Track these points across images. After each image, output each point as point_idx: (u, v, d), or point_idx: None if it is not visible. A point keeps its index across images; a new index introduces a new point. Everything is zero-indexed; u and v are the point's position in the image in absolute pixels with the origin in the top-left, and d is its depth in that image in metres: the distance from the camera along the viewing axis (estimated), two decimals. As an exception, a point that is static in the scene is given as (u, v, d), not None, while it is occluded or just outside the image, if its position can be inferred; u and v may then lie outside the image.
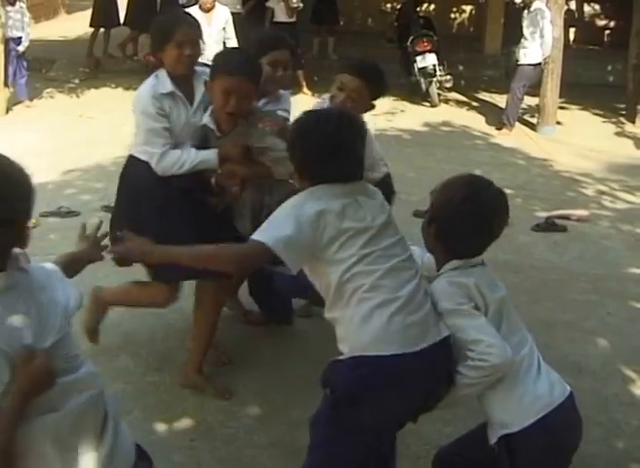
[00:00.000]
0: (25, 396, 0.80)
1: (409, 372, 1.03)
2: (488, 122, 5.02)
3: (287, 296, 1.87)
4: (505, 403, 1.06)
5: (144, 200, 1.56)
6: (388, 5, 7.94)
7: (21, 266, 0.90)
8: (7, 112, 4.58)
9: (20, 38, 4.74)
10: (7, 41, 4.62)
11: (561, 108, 5.04)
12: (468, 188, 1.11)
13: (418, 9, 5.95)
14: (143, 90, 1.56)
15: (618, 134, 4.93)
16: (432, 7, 7.98)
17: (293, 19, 5.74)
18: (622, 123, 5.16)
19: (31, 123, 4.34)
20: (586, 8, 8.41)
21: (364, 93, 1.58)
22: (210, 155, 1.53)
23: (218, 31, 4.19)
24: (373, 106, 1.66)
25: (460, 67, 6.33)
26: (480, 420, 1.21)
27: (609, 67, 6.68)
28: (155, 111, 1.51)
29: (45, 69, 5.83)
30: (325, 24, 6.73)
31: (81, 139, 3.86)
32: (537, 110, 4.92)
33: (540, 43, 4.51)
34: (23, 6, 4.85)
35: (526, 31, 4.55)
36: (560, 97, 4.87)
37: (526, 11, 4.62)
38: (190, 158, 1.52)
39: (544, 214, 3.07)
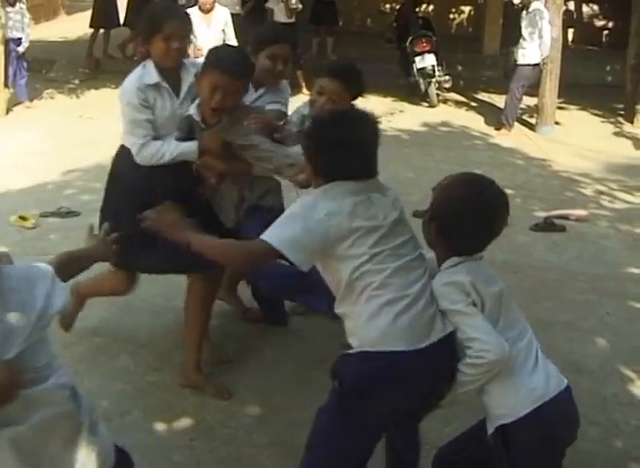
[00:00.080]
0: None
1: (413, 370, 1.05)
2: (487, 122, 5.02)
3: (272, 296, 1.89)
4: (502, 394, 1.07)
5: (130, 189, 1.59)
6: (387, 5, 7.95)
7: None
8: (7, 113, 4.58)
9: (20, 39, 4.74)
10: (7, 42, 4.61)
11: (560, 108, 5.05)
12: (470, 187, 1.12)
13: (416, 9, 5.94)
14: (130, 80, 1.58)
15: (616, 134, 4.94)
16: (431, 7, 7.98)
17: (292, 20, 5.75)
18: (621, 123, 5.16)
19: (31, 123, 4.34)
20: (585, 8, 8.42)
21: (344, 94, 1.60)
22: (190, 147, 1.55)
23: (217, 32, 4.19)
24: (353, 107, 1.68)
25: (459, 68, 6.34)
26: (479, 419, 1.22)
27: (607, 68, 6.69)
28: (139, 102, 1.53)
29: (45, 70, 5.83)
30: (324, 25, 6.74)
31: (81, 140, 3.86)
32: (535, 110, 4.93)
33: (538, 43, 4.51)
34: (23, 7, 4.85)
35: (525, 32, 4.56)
36: (559, 97, 4.88)
37: (524, 11, 4.63)
38: (170, 149, 1.55)
39: (543, 214, 3.08)
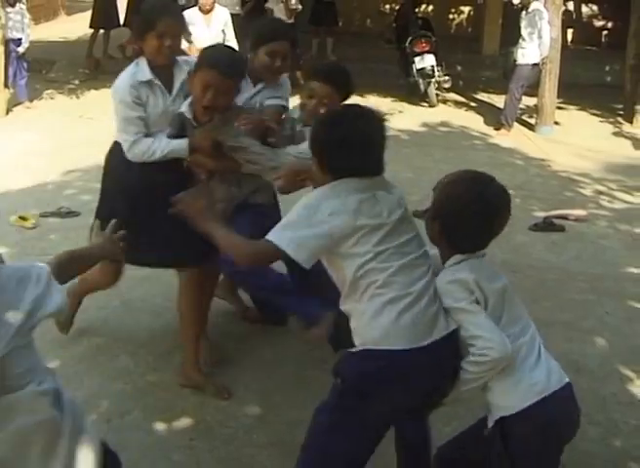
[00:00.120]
0: None
1: (415, 368, 1.06)
2: (486, 122, 5.03)
3: (256, 295, 1.90)
4: (503, 388, 1.08)
5: (124, 188, 1.61)
6: (387, 6, 7.95)
7: None
8: (7, 113, 4.58)
9: (20, 39, 4.74)
10: (7, 42, 4.61)
11: (559, 108, 5.05)
12: (471, 186, 1.12)
13: (416, 10, 5.94)
14: (122, 78, 1.60)
15: (615, 134, 4.94)
16: (431, 8, 7.99)
17: (291, 21, 5.76)
18: (620, 123, 5.17)
19: (31, 124, 4.34)
20: (584, 9, 8.43)
21: (334, 97, 1.61)
22: (181, 145, 1.57)
23: (217, 33, 4.20)
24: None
25: (459, 68, 6.34)
26: (479, 418, 1.22)
27: (606, 68, 6.69)
28: (131, 100, 1.55)
29: (45, 70, 5.83)
30: (324, 25, 6.74)
31: (81, 140, 3.86)
32: (535, 110, 4.93)
33: (537, 43, 4.52)
34: (23, 7, 4.85)
35: (524, 32, 4.56)
36: (558, 97, 4.88)
37: (524, 11, 4.63)
38: (161, 147, 1.56)
39: (542, 214, 3.08)
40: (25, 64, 4.85)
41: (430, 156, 3.95)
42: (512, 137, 4.65)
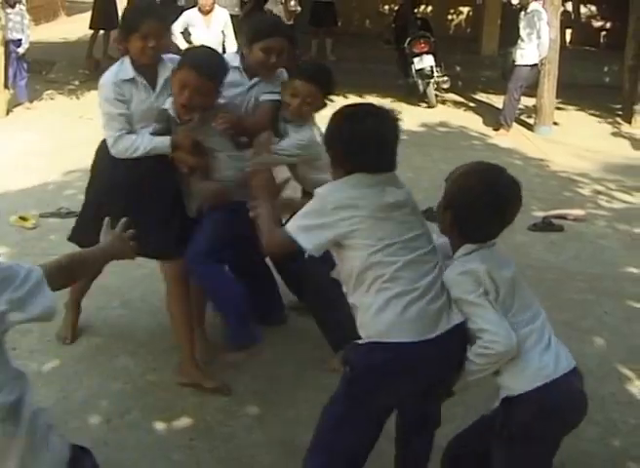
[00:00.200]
0: None
1: (423, 360, 1.09)
2: (485, 123, 5.03)
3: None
4: (513, 370, 1.10)
5: (112, 186, 1.65)
6: (386, 6, 7.95)
7: None
8: (7, 114, 4.58)
9: (20, 40, 4.74)
10: (7, 43, 4.61)
11: (558, 109, 5.05)
12: (484, 177, 1.14)
13: (415, 10, 5.94)
14: (107, 76, 1.64)
15: (614, 134, 4.95)
16: (429, 8, 7.99)
17: (291, 22, 5.76)
18: (619, 123, 5.18)
19: (31, 124, 4.34)
20: (583, 9, 8.44)
21: (317, 95, 1.65)
22: (163, 143, 1.61)
23: (217, 33, 4.20)
24: (325, 105, 1.73)
25: (458, 68, 6.35)
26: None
27: (605, 68, 6.70)
28: (114, 97, 1.60)
29: (45, 71, 5.84)
30: (323, 26, 6.75)
31: (81, 140, 3.86)
32: (533, 111, 4.94)
33: (536, 44, 4.52)
34: (23, 8, 4.85)
35: (523, 32, 4.57)
36: (557, 97, 4.89)
37: (523, 12, 4.64)
38: (144, 143, 1.61)
39: (541, 214, 3.09)
40: (25, 65, 4.85)
41: (429, 156, 3.95)
42: (511, 138, 4.66)
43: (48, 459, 0.88)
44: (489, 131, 4.83)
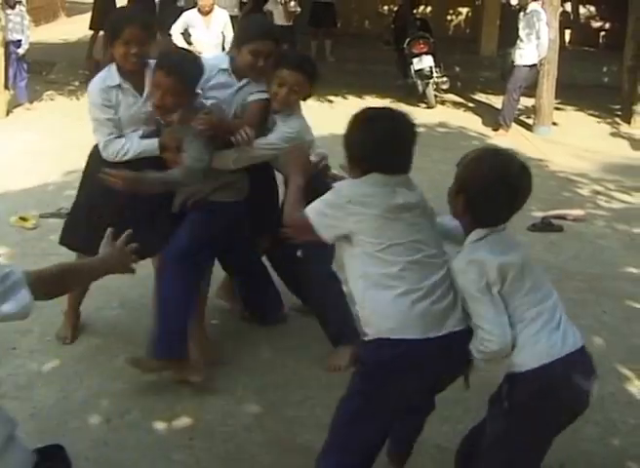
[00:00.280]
0: None
1: (429, 357, 1.11)
2: (484, 123, 5.04)
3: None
4: (522, 347, 1.12)
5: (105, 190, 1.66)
6: (385, 7, 7.96)
7: None
8: (7, 114, 4.58)
9: (20, 41, 4.74)
10: (7, 44, 4.61)
11: (557, 109, 5.06)
12: (496, 162, 1.16)
13: (414, 11, 5.95)
14: (94, 82, 1.69)
15: (613, 134, 4.96)
16: (429, 9, 8.01)
17: (290, 23, 5.78)
18: (618, 123, 5.18)
19: (31, 125, 4.35)
20: (582, 10, 8.46)
21: (305, 84, 1.68)
22: (151, 145, 1.65)
23: (216, 34, 4.21)
24: (311, 93, 1.75)
25: (457, 69, 6.36)
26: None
27: (604, 69, 6.71)
28: (102, 103, 1.65)
29: (45, 72, 5.85)
30: (322, 27, 6.76)
31: (81, 141, 3.84)
32: (533, 111, 4.94)
33: (535, 44, 4.53)
34: (23, 9, 4.86)
35: (522, 33, 4.57)
36: (556, 97, 4.89)
37: (522, 12, 4.64)
38: (133, 147, 1.65)
39: (541, 214, 3.09)
40: (25, 66, 4.86)
41: (429, 156, 3.95)
42: (510, 138, 4.66)
43: (11, 461, 0.86)
44: (488, 131, 4.84)
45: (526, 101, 5.01)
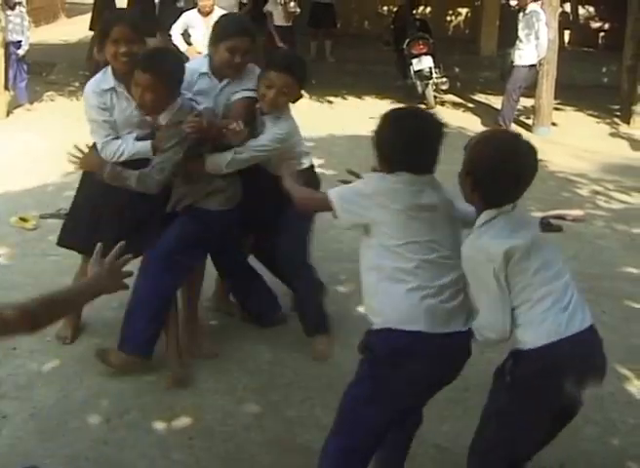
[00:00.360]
0: None
1: (432, 350, 1.14)
2: (484, 123, 5.04)
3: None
4: (528, 325, 1.13)
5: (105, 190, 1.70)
6: (385, 8, 7.97)
7: None
8: (7, 115, 4.59)
9: (21, 42, 4.75)
10: (7, 45, 4.62)
11: (556, 109, 5.06)
12: (502, 143, 1.18)
13: (414, 11, 5.95)
14: (90, 85, 1.71)
15: (612, 134, 4.96)
16: (428, 9, 8.01)
17: (290, 24, 5.78)
18: (617, 124, 5.18)
19: (32, 125, 4.36)
20: (581, 10, 8.46)
21: (294, 86, 1.68)
22: (145, 147, 1.67)
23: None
24: (301, 95, 1.75)
25: (456, 69, 6.36)
26: (477, 419, 1.23)
27: (603, 69, 6.72)
28: (97, 105, 1.68)
29: (45, 73, 5.85)
30: (322, 28, 6.76)
31: (81, 142, 3.88)
32: (532, 111, 4.94)
33: (535, 45, 4.53)
34: (23, 10, 4.87)
35: (521, 33, 4.58)
36: (555, 98, 4.89)
37: (521, 13, 4.65)
38: (128, 148, 1.67)
39: (540, 215, 3.08)
40: (25, 67, 4.86)
41: (428, 157, 3.96)
42: (510, 138, 4.68)
43: None
44: (488, 131, 4.86)
45: (525, 102, 5.01)
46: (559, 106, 5.26)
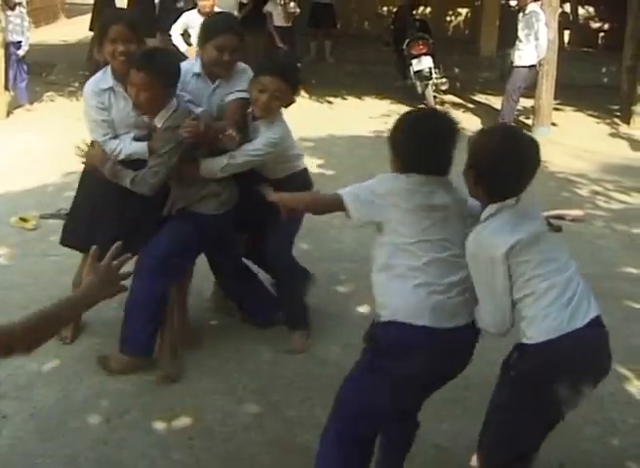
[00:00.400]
0: None
1: (435, 345, 1.15)
2: (484, 123, 5.03)
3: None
4: (532, 320, 1.13)
5: (104, 180, 1.70)
6: (385, 8, 7.97)
7: None
8: (7, 116, 4.59)
9: (21, 42, 4.76)
10: (7, 45, 4.63)
11: (556, 110, 5.06)
12: (505, 136, 1.19)
13: (414, 12, 5.95)
14: (89, 84, 1.72)
15: (612, 135, 4.97)
16: (428, 10, 8.01)
17: (290, 24, 5.78)
18: (617, 124, 5.19)
19: (32, 126, 4.36)
20: (581, 10, 8.46)
21: (286, 90, 1.68)
22: (141, 148, 1.68)
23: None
24: (294, 100, 1.74)
25: (456, 70, 6.36)
26: (477, 418, 1.23)
27: (603, 69, 6.72)
28: (95, 104, 1.68)
29: (45, 73, 5.85)
30: (322, 28, 6.76)
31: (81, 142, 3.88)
32: (532, 112, 4.94)
33: (534, 45, 4.53)
34: (23, 10, 4.87)
35: (521, 34, 4.58)
36: (555, 98, 4.89)
37: (521, 13, 4.65)
38: (125, 149, 1.68)
39: (540, 215, 3.11)
40: (25, 67, 4.87)
41: (428, 157, 3.96)
42: (510, 139, 4.68)
43: None
44: (487, 132, 4.85)
45: (525, 102, 5.02)
46: (559, 106, 5.27)
